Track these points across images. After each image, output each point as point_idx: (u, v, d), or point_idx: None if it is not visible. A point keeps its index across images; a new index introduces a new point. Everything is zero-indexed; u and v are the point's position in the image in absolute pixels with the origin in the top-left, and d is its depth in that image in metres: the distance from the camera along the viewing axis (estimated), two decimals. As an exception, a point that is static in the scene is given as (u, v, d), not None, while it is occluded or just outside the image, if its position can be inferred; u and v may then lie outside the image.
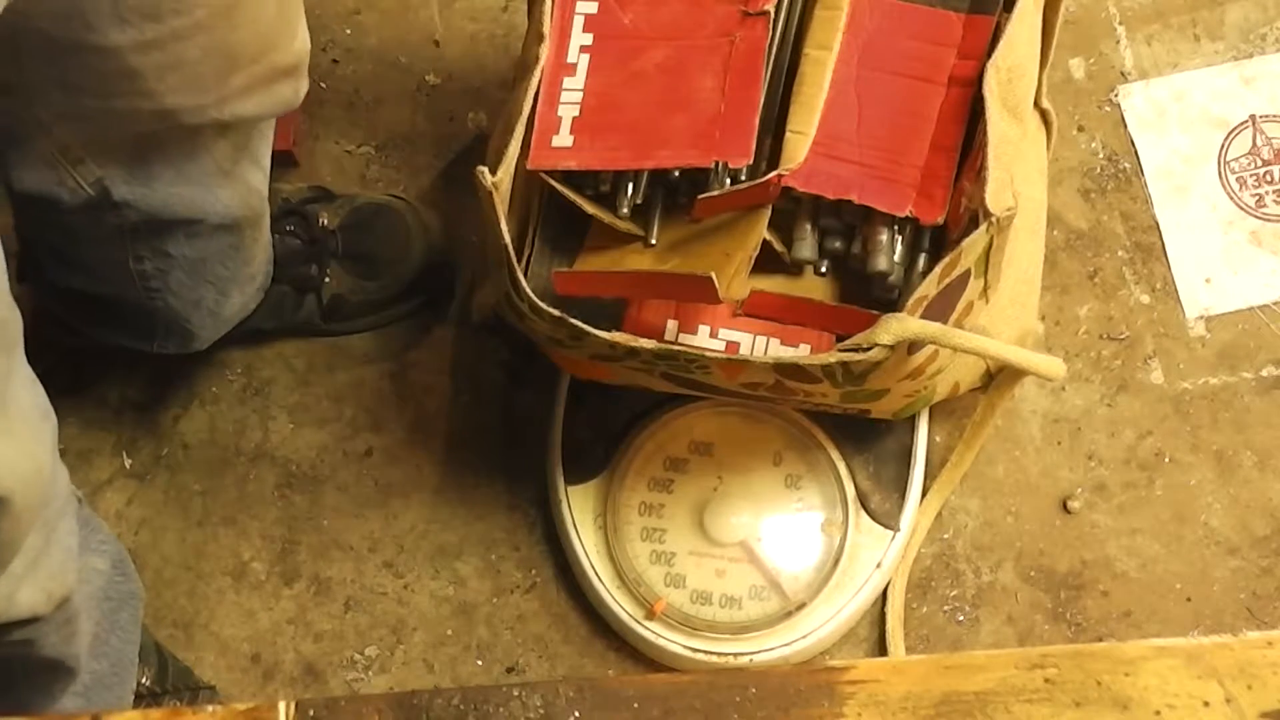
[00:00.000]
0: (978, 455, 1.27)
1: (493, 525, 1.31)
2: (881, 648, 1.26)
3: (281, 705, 0.62)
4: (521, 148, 1.07)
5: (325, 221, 1.31)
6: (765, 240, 1.11)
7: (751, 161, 1.08)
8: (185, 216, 1.04)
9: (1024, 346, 1.17)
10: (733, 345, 1.11)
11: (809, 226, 1.12)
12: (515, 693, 0.63)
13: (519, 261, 1.06)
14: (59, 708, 1.02)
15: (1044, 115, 1.24)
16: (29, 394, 0.86)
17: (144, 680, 1.18)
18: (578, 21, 1.12)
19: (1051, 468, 1.30)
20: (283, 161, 1.39)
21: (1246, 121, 1.37)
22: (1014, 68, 1.05)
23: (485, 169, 1.03)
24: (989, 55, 1.05)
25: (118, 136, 0.96)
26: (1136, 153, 1.37)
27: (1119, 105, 1.38)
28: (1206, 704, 0.62)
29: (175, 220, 1.04)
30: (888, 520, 1.24)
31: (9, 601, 0.87)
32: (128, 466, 1.34)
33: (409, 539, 1.31)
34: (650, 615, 1.23)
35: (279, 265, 1.29)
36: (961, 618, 1.27)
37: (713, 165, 1.09)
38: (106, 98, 0.91)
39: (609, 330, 1.05)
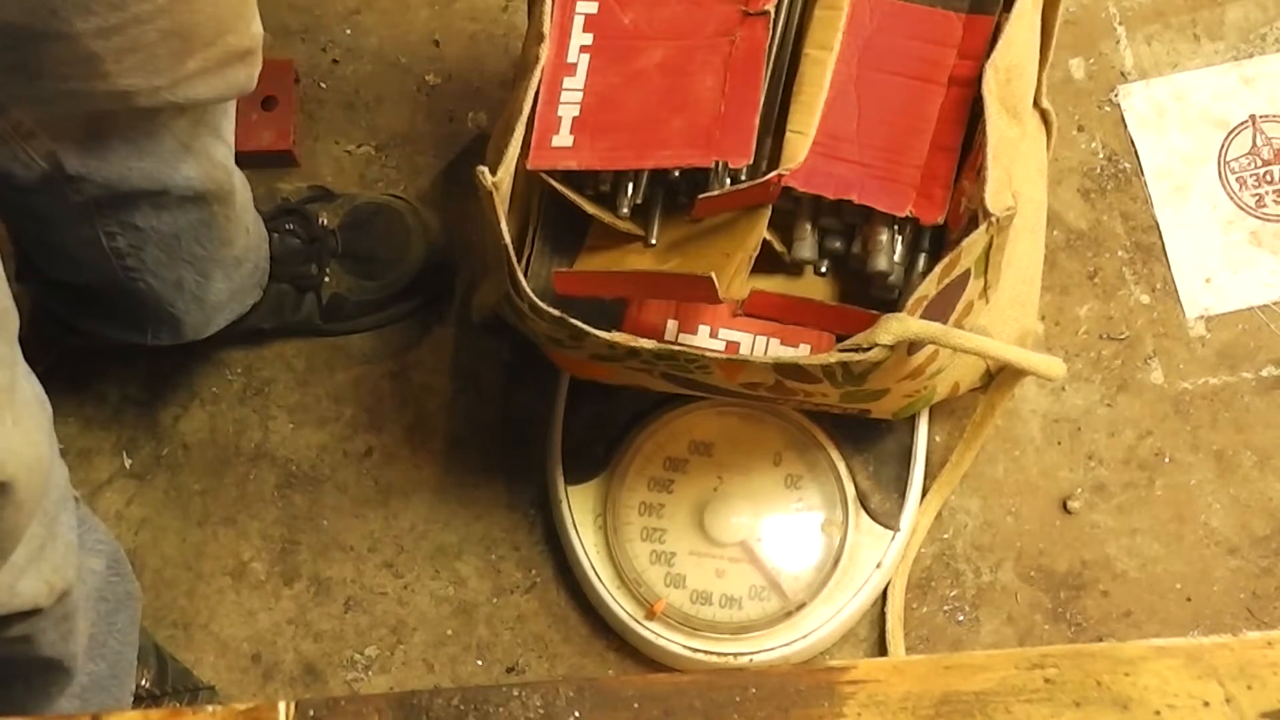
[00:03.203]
0: (978, 455, 1.27)
1: (493, 525, 1.31)
2: (881, 648, 1.26)
3: (281, 705, 0.62)
4: (521, 148, 1.07)
5: (325, 221, 1.31)
6: (765, 240, 1.11)
7: (751, 161, 1.08)
8: (145, 188, 1.04)
9: (1024, 346, 1.17)
10: (733, 345, 1.11)
11: (809, 226, 1.12)
12: (515, 693, 0.63)
13: (519, 261, 1.06)
14: (56, 710, 1.02)
15: (1044, 115, 1.24)
16: (28, 383, 0.87)
17: (144, 681, 1.18)
18: (578, 21, 1.12)
19: (1051, 468, 1.30)
20: (283, 161, 1.39)
21: (1246, 121, 1.37)
22: (1013, 68, 1.05)
23: (485, 169, 1.03)
24: (988, 55, 1.05)
25: (72, 115, 0.97)
26: (1136, 153, 1.37)
27: (1119, 105, 1.38)
28: (1206, 704, 0.62)
29: (136, 192, 1.04)
30: (888, 520, 1.24)
31: (10, 592, 0.87)
32: (128, 466, 1.34)
33: (409, 539, 1.31)
34: (650, 615, 1.23)
35: (279, 264, 1.29)
36: (961, 618, 1.27)
37: (713, 165, 1.09)
38: (63, 80, 0.91)
39: (609, 330, 1.05)
